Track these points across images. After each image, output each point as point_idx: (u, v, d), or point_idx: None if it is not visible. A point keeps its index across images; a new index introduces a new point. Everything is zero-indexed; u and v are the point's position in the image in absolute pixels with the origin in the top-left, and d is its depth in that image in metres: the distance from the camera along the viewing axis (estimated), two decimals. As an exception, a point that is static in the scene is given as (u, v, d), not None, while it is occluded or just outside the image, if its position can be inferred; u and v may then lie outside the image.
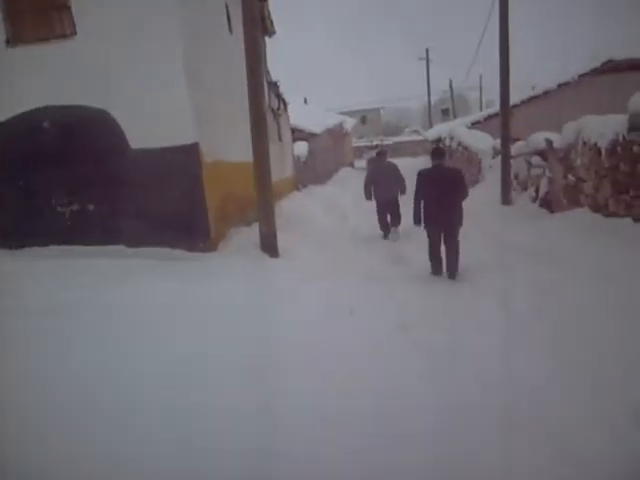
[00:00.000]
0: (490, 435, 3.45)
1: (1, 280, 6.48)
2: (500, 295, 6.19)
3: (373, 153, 31.61)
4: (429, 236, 7.53)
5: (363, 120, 53.17)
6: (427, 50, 39.82)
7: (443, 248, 7.46)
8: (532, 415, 3.65)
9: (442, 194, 7.22)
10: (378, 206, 10.82)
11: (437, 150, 7.61)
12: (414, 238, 9.10)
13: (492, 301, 6.02)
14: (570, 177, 9.51)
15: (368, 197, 10.87)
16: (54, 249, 7.94)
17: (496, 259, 7.88)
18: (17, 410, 3.71)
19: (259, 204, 8.22)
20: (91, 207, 8.09)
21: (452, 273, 7.37)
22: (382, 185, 10.63)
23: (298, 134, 20.98)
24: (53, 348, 4.58)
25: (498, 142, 13.89)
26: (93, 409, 3.73)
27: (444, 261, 7.49)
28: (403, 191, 10.48)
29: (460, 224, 7.34)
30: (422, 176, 7.45)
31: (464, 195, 7.29)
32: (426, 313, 5.77)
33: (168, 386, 4.02)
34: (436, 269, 7.54)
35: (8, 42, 8.03)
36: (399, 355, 4.66)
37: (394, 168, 10.71)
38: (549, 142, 10.64)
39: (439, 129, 22.59)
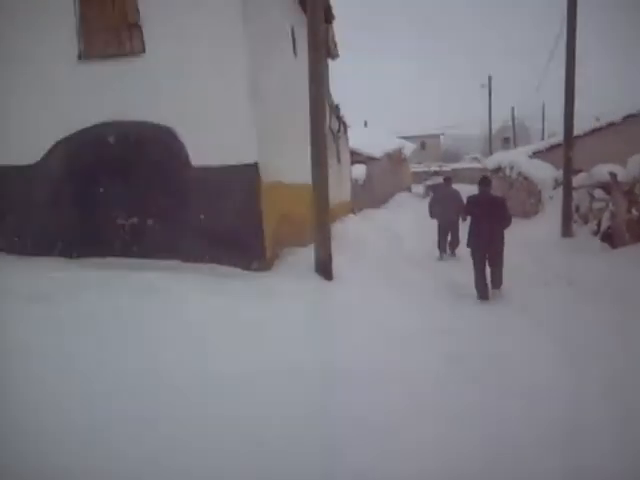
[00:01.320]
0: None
1: (56, 286, 6.60)
2: (555, 331, 6.05)
3: (432, 179, 31.59)
4: (474, 260, 7.95)
5: (422, 146, 53.08)
6: (489, 77, 39.61)
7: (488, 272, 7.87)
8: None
9: (486, 220, 7.77)
10: (439, 228, 11.63)
11: (484, 179, 8.24)
12: (468, 262, 9.02)
13: (547, 337, 5.88)
14: (634, 212, 9.28)
15: (432, 216, 11.83)
16: (112, 261, 8.08)
17: (551, 293, 7.73)
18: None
19: (315, 226, 8.25)
20: (150, 222, 8.21)
21: (496, 286, 7.92)
22: (445, 209, 11.41)
23: (357, 157, 20.99)
24: (109, 356, 4.63)
25: (560, 173, 13.66)
26: (160, 417, 3.75)
27: (489, 286, 7.91)
28: (464, 218, 10.53)
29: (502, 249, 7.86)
30: (469, 203, 8.18)
31: (507, 222, 7.84)
32: (478, 343, 5.71)
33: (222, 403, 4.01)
34: (482, 294, 7.87)
35: (80, 57, 8.26)
36: (454, 388, 4.58)
37: (457, 194, 11.45)
38: (613, 175, 10.42)
39: (499, 157, 22.37)
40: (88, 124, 8.24)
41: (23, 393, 4.01)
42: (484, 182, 8.10)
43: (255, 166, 7.86)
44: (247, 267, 7.93)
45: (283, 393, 4.23)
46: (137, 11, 8.05)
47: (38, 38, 8.33)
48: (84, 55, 8.27)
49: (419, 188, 32.63)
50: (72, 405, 3.87)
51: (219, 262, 7.93)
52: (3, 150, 8.58)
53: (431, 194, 16.79)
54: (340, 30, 15.84)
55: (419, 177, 38.43)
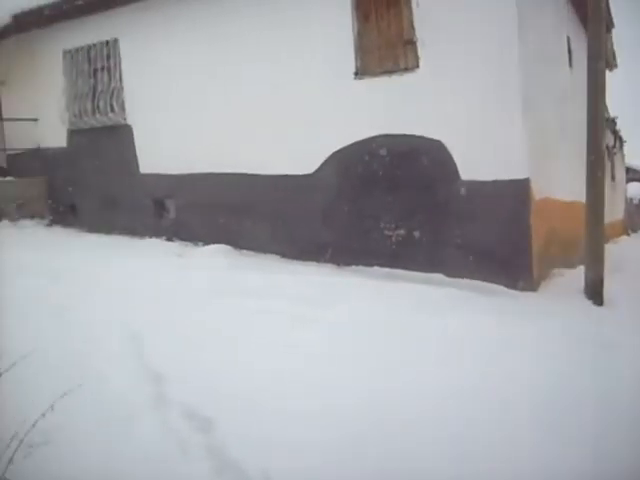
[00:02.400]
0: None
1: (326, 291, 6.93)
2: None
3: None
4: None
5: None
6: None
7: None
8: None
9: None
10: None
11: None
12: None
13: None
14: None
15: None
16: (377, 270, 8.30)
17: None
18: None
19: (587, 247, 7.78)
20: (416, 233, 8.29)
21: None
22: None
23: (633, 174, 19.60)
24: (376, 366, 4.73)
25: None
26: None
27: None
28: None
29: None
30: None
31: None
32: None
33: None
34: None
35: (356, 74, 8.63)
36: None
37: None
38: None
39: None
40: (361, 137, 8.57)
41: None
42: None
43: (526, 182, 7.60)
44: (512, 286, 7.68)
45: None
46: (413, 28, 8.21)
47: (316, 55, 8.90)
48: (360, 72, 8.63)
49: None
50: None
51: (483, 279, 7.77)
52: (283, 160, 9.25)
53: None
54: (619, 39, 14.93)
55: None
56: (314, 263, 8.76)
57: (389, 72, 8.42)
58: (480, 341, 5.43)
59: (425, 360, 4.95)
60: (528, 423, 3.94)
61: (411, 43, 8.25)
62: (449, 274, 7.98)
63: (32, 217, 12.35)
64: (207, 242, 9.89)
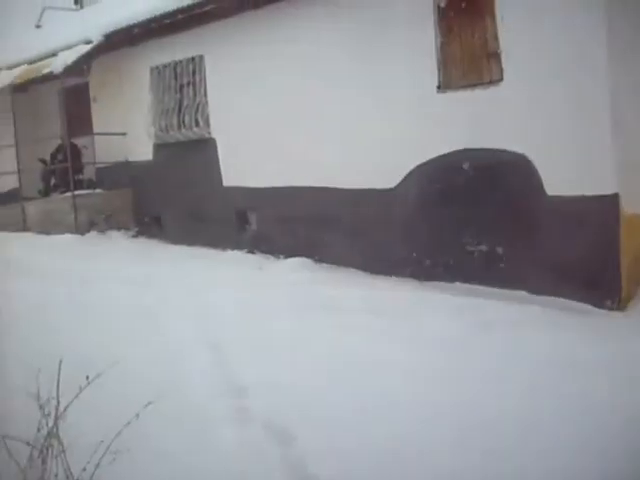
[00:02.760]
0: None
1: (407, 306, 6.90)
2: None
3: None
4: None
5: None
6: None
7: None
8: None
9: None
10: None
11: None
12: None
13: None
14: None
15: None
16: (459, 286, 8.20)
17: None
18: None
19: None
20: (499, 249, 8.13)
21: None
22: None
23: None
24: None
25: None
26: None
27: None
28: None
29: None
30: None
31: None
32: None
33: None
34: None
35: (439, 87, 8.57)
36: None
37: None
38: None
39: None
40: (443, 151, 8.48)
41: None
42: None
43: (615, 197, 7.36)
44: (599, 304, 7.43)
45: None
46: (497, 40, 8.09)
47: (398, 69, 8.88)
48: (443, 85, 8.57)
49: None
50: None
51: (568, 297, 7.53)
52: (364, 174, 9.26)
53: None
54: None
55: None
56: (395, 278, 8.73)
57: (472, 85, 8.32)
58: (565, 361, 5.31)
59: (510, 381, 4.87)
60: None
61: (495, 55, 8.13)
62: (533, 291, 7.79)
63: (119, 228, 12.81)
64: (287, 255, 9.99)
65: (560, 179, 7.64)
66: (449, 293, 7.68)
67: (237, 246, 11.00)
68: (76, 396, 3.05)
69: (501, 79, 8.06)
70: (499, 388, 4.73)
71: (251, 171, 10.82)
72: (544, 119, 7.73)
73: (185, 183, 12.00)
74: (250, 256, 10.53)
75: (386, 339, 5.72)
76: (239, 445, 3.87)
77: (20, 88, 14.53)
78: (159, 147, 12.64)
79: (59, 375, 3.10)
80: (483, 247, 8.28)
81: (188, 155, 12.03)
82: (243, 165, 10.98)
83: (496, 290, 7.87)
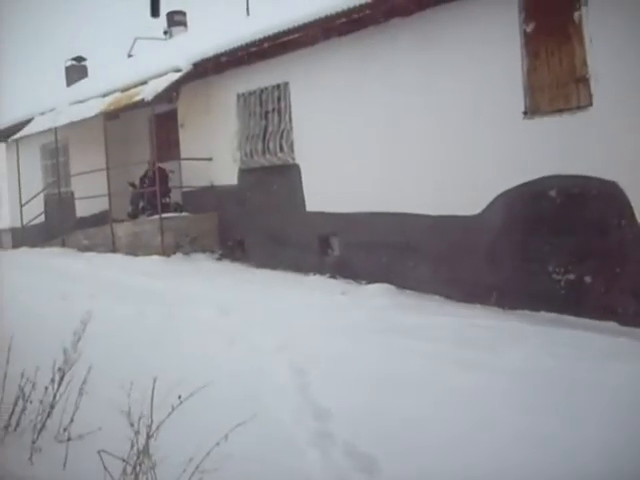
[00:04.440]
0: None
1: (490, 335, 6.78)
2: None
3: None
4: None
5: None
6: None
7: None
8: None
9: None
10: None
11: None
12: None
13: None
14: None
15: None
16: (545, 315, 8.01)
17: None
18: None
19: None
20: (587, 278, 7.92)
21: None
22: None
23: None
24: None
25: None
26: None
27: None
28: None
29: None
30: None
31: None
32: None
33: None
34: None
35: (525, 113, 8.46)
36: None
37: None
38: None
39: None
40: (530, 178, 8.35)
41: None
42: None
43: None
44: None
45: None
46: (586, 64, 7.94)
47: (483, 95, 8.83)
48: (530, 111, 8.45)
49: None
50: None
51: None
52: (448, 201, 9.22)
53: None
54: None
55: None
56: (478, 306, 8.59)
57: (560, 111, 8.17)
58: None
59: (597, 416, 4.71)
60: None
61: (584, 80, 7.98)
62: (623, 323, 7.53)
63: (203, 251, 13.11)
64: (369, 281, 10.00)
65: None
66: (533, 322, 7.48)
67: (319, 271, 11.10)
68: (168, 415, 3.15)
69: (590, 104, 7.89)
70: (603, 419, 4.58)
71: (334, 197, 10.92)
72: (636, 145, 7.53)
73: (269, 208, 12.21)
74: (332, 281, 10.60)
75: (476, 369, 5.62)
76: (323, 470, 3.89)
77: (112, 115, 15.13)
78: (244, 172, 12.91)
79: (153, 393, 3.21)
80: (570, 276, 8.07)
81: (272, 180, 12.25)
82: (326, 191, 11.10)
83: (583, 320, 7.64)
